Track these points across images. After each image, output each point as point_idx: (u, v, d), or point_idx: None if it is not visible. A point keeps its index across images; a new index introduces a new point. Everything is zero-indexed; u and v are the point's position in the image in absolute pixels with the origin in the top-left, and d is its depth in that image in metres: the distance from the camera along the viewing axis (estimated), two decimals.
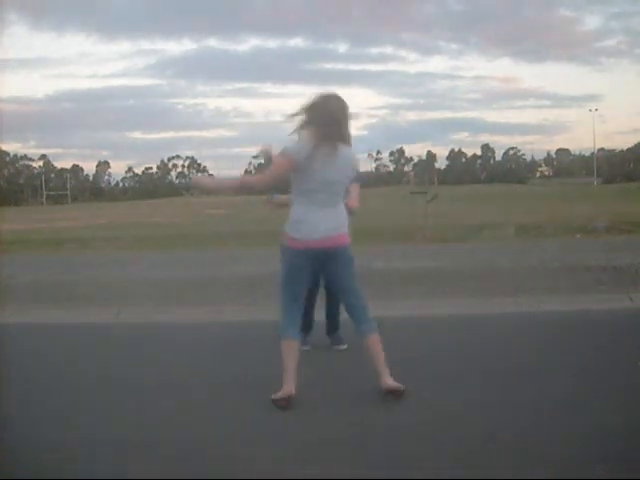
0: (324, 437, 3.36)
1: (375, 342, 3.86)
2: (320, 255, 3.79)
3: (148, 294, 7.72)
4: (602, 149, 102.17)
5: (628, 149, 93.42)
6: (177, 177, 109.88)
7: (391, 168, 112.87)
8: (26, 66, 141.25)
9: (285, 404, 3.71)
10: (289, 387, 3.76)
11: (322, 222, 3.74)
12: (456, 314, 6.28)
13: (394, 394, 3.75)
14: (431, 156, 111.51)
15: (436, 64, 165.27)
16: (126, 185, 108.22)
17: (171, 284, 8.10)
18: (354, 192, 4.61)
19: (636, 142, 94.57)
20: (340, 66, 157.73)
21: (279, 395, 3.75)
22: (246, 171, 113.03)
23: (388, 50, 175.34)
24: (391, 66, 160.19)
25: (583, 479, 2.80)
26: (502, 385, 4.07)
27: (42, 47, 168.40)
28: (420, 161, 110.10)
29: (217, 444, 3.31)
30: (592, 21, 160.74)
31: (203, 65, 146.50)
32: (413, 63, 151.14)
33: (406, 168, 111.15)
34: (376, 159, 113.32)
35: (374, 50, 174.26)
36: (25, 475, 3.04)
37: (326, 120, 3.65)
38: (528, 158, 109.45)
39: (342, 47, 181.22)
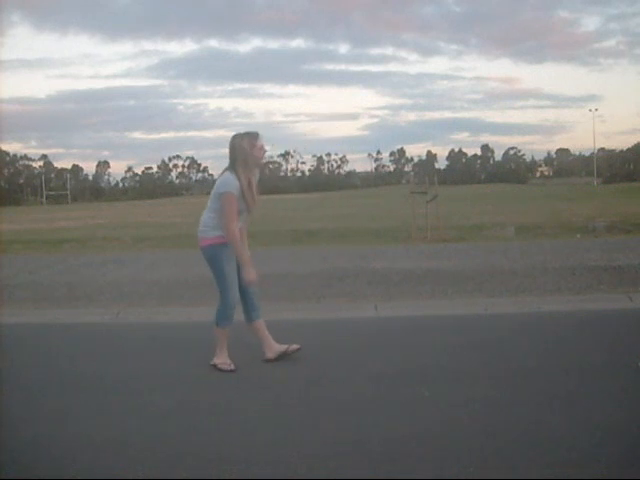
0: (324, 437, 3.36)
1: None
2: None
3: (148, 294, 7.73)
4: (602, 149, 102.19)
5: (628, 149, 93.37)
6: (177, 177, 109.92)
7: (391, 168, 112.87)
8: (28, 67, 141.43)
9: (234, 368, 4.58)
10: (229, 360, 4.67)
11: None
12: (456, 314, 6.28)
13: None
14: (431, 156, 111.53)
15: (436, 65, 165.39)
16: (126, 185, 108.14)
17: (171, 284, 8.10)
18: None
19: (636, 142, 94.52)
20: (341, 67, 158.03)
21: (230, 367, 4.59)
22: None
23: (389, 51, 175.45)
24: (391, 67, 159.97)
25: (583, 479, 2.80)
26: (502, 385, 4.07)
27: (44, 48, 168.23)
28: (420, 161, 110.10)
29: (215, 444, 3.31)
30: (591, 22, 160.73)
31: (204, 66, 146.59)
32: (413, 64, 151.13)
33: (406, 168, 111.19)
34: (376, 159, 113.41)
35: (375, 51, 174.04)
36: (25, 475, 3.05)
37: None
38: (528, 158, 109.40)
39: (343, 48, 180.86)
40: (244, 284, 4.63)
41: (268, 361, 4.70)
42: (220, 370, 4.55)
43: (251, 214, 4.71)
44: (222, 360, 4.63)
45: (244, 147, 4.52)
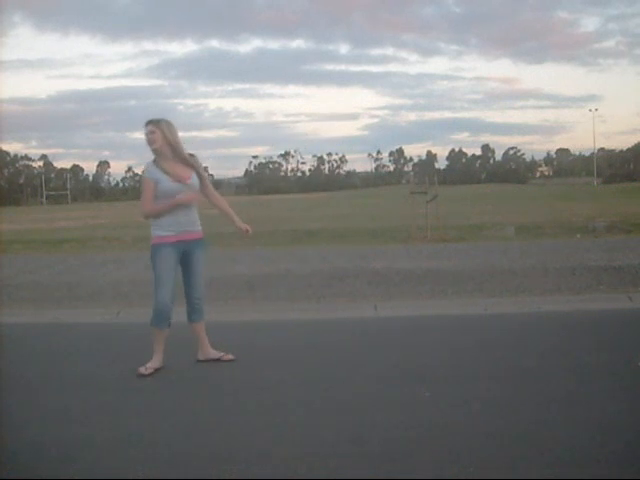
0: (324, 437, 3.36)
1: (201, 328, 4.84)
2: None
3: (148, 294, 7.71)
4: (602, 149, 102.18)
5: (628, 149, 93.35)
6: None
7: (391, 168, 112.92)
8: (30, 67, 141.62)
9: (149, 373, 4.47)
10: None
11: None
12: (456, 314, 6.28)
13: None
14: (431, 156, 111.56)
15: (436, 65, 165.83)
16: (126, 185, 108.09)
17: None
18: None
19: (636, 142, 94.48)
20: (341, 67, 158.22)
21: (147, 371, 4.46)
22: (247, 171, 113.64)
23: (389, 51, 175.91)
24: (392, 67, 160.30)
25: (583, 479, 2.80)
26: (502, 385, 4.07)
27: (46, 48, 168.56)
28: (420, 161, 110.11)
29: (215, 444, 3.31)
30: (590, 23, 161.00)
31: (205, 66, 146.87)
32: (414, 64, 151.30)
33: (406, 168, 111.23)
34: (376, 159, 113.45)
35: (375, 51, 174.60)
36: (25, 475, 3.04)
37: None
38: (528, 158, 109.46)
39: (343, 48, 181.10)
40: (193, 282, 4.80)
41: (198, 361, 4.78)
42: (138, 373, 4.43)
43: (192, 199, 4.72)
44: (150, 364, 4.51)
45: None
